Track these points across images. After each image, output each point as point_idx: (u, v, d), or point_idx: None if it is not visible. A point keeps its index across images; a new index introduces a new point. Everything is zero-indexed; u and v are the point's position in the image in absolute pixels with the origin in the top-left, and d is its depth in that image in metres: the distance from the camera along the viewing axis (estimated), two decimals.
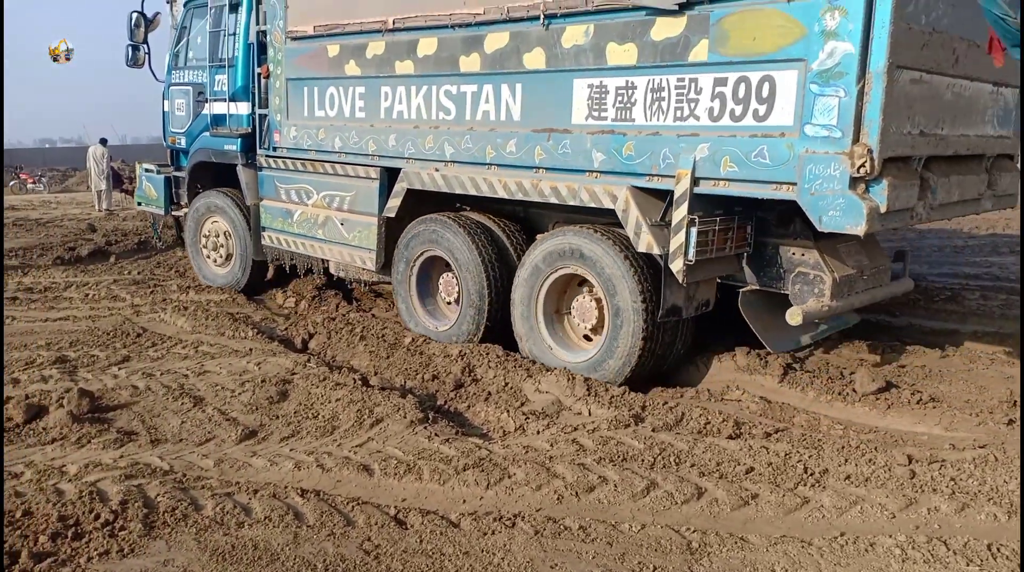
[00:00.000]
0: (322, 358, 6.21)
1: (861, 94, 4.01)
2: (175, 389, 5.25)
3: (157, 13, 9.06)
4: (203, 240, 8.80)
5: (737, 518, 3.54)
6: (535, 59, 5.35)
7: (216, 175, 8.64)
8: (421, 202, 6.47)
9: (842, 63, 4.02)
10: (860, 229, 4.09)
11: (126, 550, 3.24)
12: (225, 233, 8.52)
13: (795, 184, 4.25)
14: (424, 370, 5.75)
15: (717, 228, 4.80)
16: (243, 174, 8.00)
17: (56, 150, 51.41)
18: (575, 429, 4.46)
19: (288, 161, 7.49)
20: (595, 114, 5.12)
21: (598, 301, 5.38)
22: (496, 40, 5.55)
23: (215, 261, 8.75)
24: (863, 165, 4.01)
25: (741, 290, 5.31)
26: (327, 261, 7.59)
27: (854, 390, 5.08)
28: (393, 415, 4.67)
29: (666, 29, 4.67)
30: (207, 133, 8.35)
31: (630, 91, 4.92)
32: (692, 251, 4.68)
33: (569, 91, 5.22)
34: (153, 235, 10.92)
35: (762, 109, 4.37)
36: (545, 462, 3.98)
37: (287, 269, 8.38)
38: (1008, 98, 5.40)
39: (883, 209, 4.11)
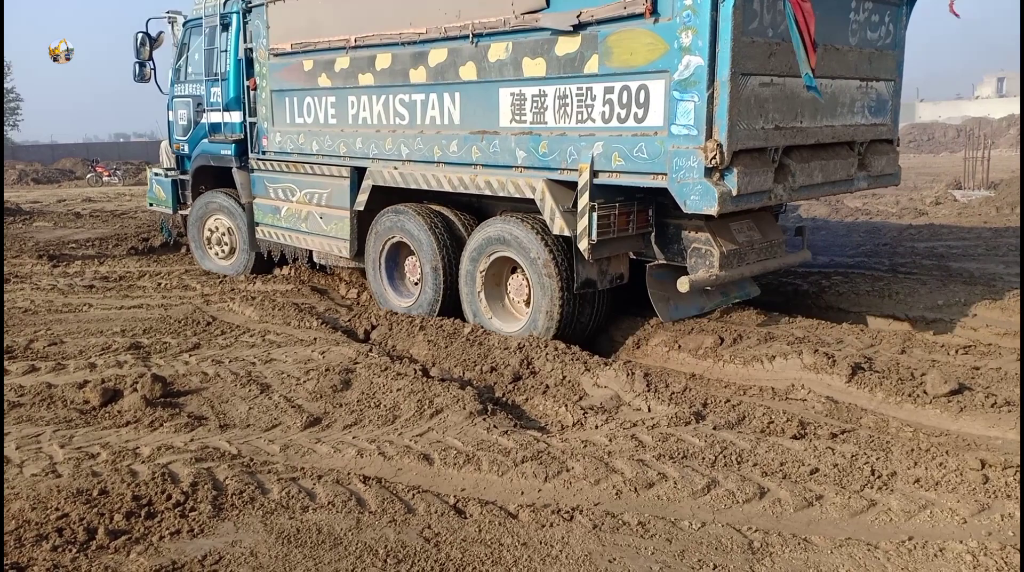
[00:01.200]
0: (383, 348, 6.31)
1: (711, 99, 4.85)
2: (243, 376, 5.40)
3: (160, 32, 9.87)
4: (207, 234, 9.62)
5: (800, 519, 3.47)
6: (468, 71, 6.24)
7: (216, 177, 9.43)
8: (389, 196, 7.27)
9: (695, 73, 4.86)
10: (714, 210, 4.92)
11: (196, 530, 3.35)
12: (228, 229, 9.39)
13: (666, 174, 5.11)
14: (482, 361, 5.79)
15: (617, 212, 5.61)
16: (238, 176, 8.83)
17: (131, 144, 53.36)
18: (634, 425, 4.44)
19: (275, 163, 8.39)
20: (517, 118, 6.00)
21: (527, 278, 6.19)
22: (437, 55, 6.46)
23: (218, 254, 9.62)
24: (714, 157, 4.85)
25: (648, 265, 6.03)
26: (311, 250, 8.37)
27: (925, 392, 4.91)
28: (452, 406, 4.72)
29: (566, 46, 5.55)
30: (206, 140, 9.21)
31: (542, 98, 5.81)
32: (595, 232, 5.50)
33: (496, 98, 6.10)
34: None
35: (640, 112, 5.24)
36: (604, 457, 3.97)
37: (275, 259, 9.07)
38: (881, 90, 6.27)
39: (735, 192, 4.96)
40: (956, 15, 6.17)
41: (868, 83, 6.10)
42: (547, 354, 5.70)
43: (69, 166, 34.16)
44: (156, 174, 10.51)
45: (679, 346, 5.92)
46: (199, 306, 7.49)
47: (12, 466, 4.00)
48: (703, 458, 3.96)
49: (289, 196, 8.26)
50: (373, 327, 6.96)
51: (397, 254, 7.42)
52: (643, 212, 5.81)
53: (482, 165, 6.29)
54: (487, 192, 6.28)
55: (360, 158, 7.35)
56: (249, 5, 8.17)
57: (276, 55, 7.96)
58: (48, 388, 5.18)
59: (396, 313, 7.14)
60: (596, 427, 4.48)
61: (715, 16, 4.75)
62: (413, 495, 3.65)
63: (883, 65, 6.25)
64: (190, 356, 5.91)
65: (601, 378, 5.20)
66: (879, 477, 3.73)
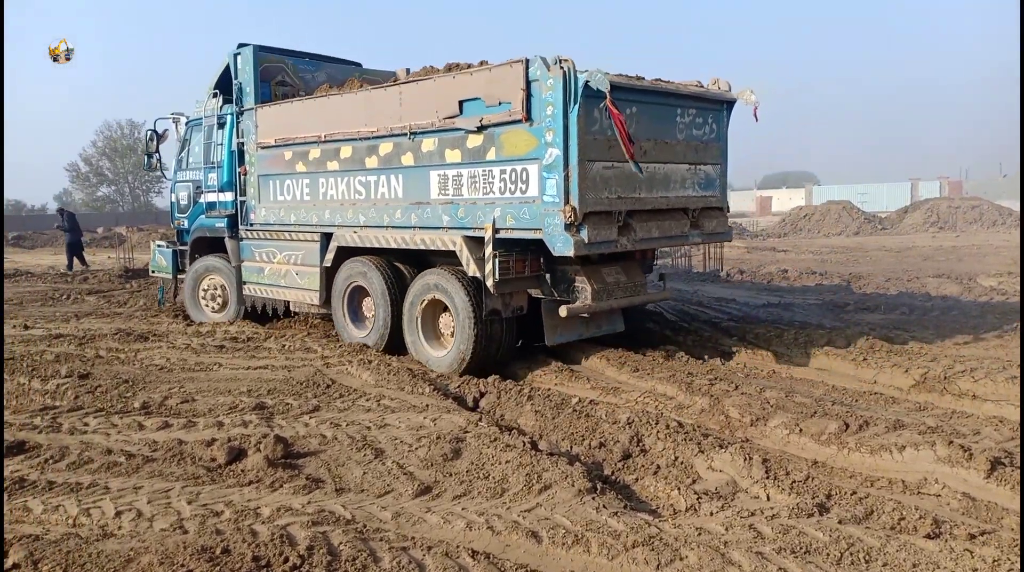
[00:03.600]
0: (492, 417, 6.35)
1: (567, 177, 6.85)
2: (359, 440, 5.54)
3: (165, 130, 11.98)
4: (201, 293, 11.38)
5: None
6: (408, 159, 8.24)
7: (210, 246, 11.36)
8: (350, 254, 9.17)
9: (556, 160, 6.89)
10: (571, 252, 6.86)
11: None
12: (221, 286, 11.21)
13: (541, 229, 7.08)
14: (590, 436, 5.72)
15: (514, 259, 7.51)
16: (229, 244, 10.77)
17: None
18: (752, 514, 4.25)
19: (260, 232, 10.36)
20: (442, 192, 7.97)
21: (453, 316, 7.93)
22: (385, 147, 8.47)
23: (211, 308, 11.36)
24: (571, 217, 6.83)
25: (543, 299, 7.93)
26: (288, 301, 10.21)
27: None
28: (561, 482, 4.66)
29: (474, 141, 7.56)
30: (203, 215, 11.17)
31: (460, 177, 7.79)
32: (497, 273, 7.38)
33: (427, 178, 8.09)
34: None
35: (523, 187, 7.22)
36: (719, 547, 3.81)
37: (259, 311, 10.77)
38: (709, 171, 8.40)
39: (587, 241, 6.93)
40: (756, 119, 8.21)
41: (696, 166, 8.21)
42: (658, 432, 5.58)
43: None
44: (159, 245, 12.45)
45: (800, 430, 5.66)
46: (319, 369, 7.79)
47: (144, 519, 4.22)
48: (827, 554, 3.74)
49: (271, 258, 10.22)
50: (482, 395, 7.04)
51: (356, 296, 9.27)
52: (535, 260, 7.73)
53: (419, 227, 8.24)
54: (423, 247, 8.24)
55: (328, 226, 9.29)
56: (242, 109, 10.21)
57: (263, 147, 10.00)
58: (179, 444, 5.48)
59: (504, 381, 7.35)
60: (711, 514, 4.32)
61: (566, 121, 6.77)
62: None
63: (709, 154, 8.36)
64: (310, 418, 6.13)
65: (716, 461, 5.03)
66: None
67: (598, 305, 7.61)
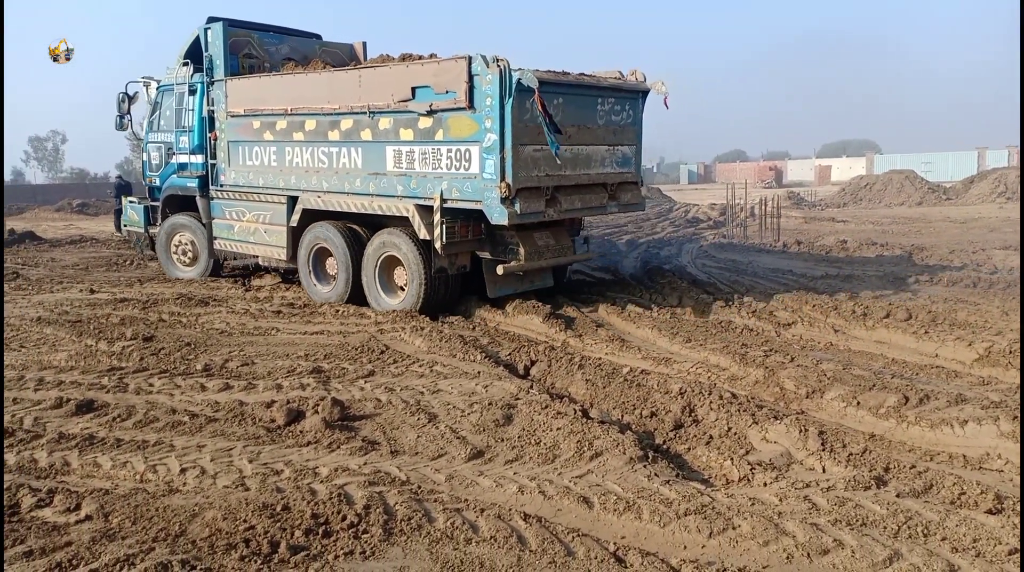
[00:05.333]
0: (543, 385, 6.38)
1: (503, 158, 8.01)
2: (412, 405, 5.64)
3: (136, 92, 12.68)
4: (173, 248, 12.33)
5: None
6: (367, 134, 9.29)
7: (180, 204, 12.24)
8: (313, 216, 10.12)
9: (494, 144, 8.03)
10: (506, 221, 8.10)
11: (367, 552, 3.51)
12: (191, 242, 12.07)
13: (481, 201, 8.25)
14: (642, 405, 5.72)
15: (459, 225, 8.63)
16: (200, 202, 11.64)
17: None
18: (807, 485, 4.20)
19: (230, 192, 11.21)
20: (397, 165, 9.06)
21: (404, 268, 9.12)
22: (346, 123, 9.50)
23: (182, 262, 12.29)
24: (506, 192, 8.00)
25: (484, 259, 9.08)
26: (257, 256, 11.09)
27: None
28: (612, 450, 4.67)
29: (424, 123, 8.66)
30: (175, 175, 12.07)
31: (412, 154, 8.89)
32: (444, 237, 8.51)
33: (384, 152, 9.16)
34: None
35: (467, 165, 8.35)
36: (773, 517, 3.78)
37: (227, 264, 11.93)
38: (626, 152, 9.66)
39: (519, 212, 8.16)
40: (667, 107, 9.53)
41: (615, 147, 9.46)
42: (711, 403, 5.55)
43: None
44: (131, 201, 13.50)
45: (858, 402, 5.57)
46: (373, 334, 7.91)
47: (207, 476, 4.37)
48: (884, 527, 3.69)
49: (241, 216, 11.11)
50: (533, 363, 7.07)
51: (319, 257, 10.18)
52: (477, 226, 8.78)
53: (376, 195, 9.29)
54: (380, 213, 9.29)
55: (294, 190, 10.26)
56: (213, 80, 10.98)
57: (232, 116, 10.84)
58: (240, 405, 5.64)
59: (554, 349, 7.32)
60: (765, 484, 4.29)
61: (503, 111, 7.91)
62: (573, 538, 3.65)
63: (625, 136, 9.58)
64: (365, 382, 6.24)
65: (770, 432, 4.98)
66: None
67: (530, 264, 8.99)
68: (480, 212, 8.31)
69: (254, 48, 11.25)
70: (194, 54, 11.34)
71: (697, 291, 10.29)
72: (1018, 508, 3.93)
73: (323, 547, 3.55)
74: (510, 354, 7.34)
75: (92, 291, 10.87)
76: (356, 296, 9.63)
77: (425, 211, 8.68)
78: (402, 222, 9.06)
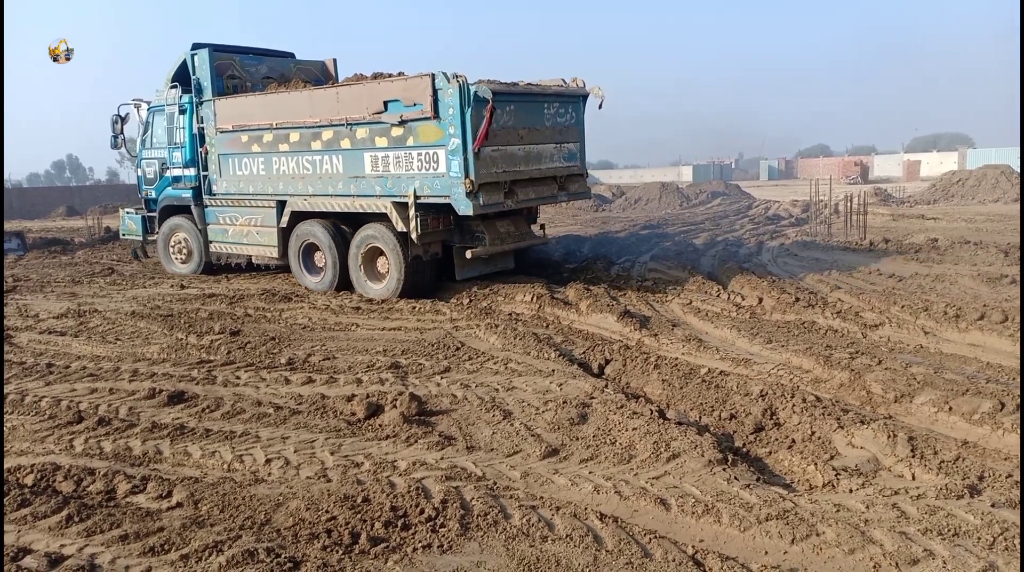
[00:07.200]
0: (618, 385, 6.33)
1: (466, 159, 9.23)
2: (487, 401, 5.68)
3: (127, 114, 13.76)
4: (171, 248, 13.48)
5: None
6: (346, 143, 10.49)
7: (175, 213, 13.31)
8: (300, 218, 11.34)
9: (457, 147, 9.25)
10: (471, 212, 9.34)
11: (445, 546, 3.56)
12: (186, 240, 13.22)
13: (449, 196, 9.44)
14: (720, 407, 5.61)
15: (431, 218, 9.85)
16: (195, 210, 12.75)
17: None
18: (895, 493, 4.05)
19: (223, 199, 12.36)
20: (375, 169, 10.27)
21: (386, 257, 10.30)
22: (327, 134, 10.68)
23: (179, 260, 13.39)
24: (470, 187, 9.20)
25: (455, 246, 10.40)
26: (251, 255, 12.28)
27: None
28: (690, 452, 4.60)
29: (397, 131, 9.84)
30: (170, 187, 13.16)
31: (387, 158, 10.08)
32: (419, 229, 9.71)
33: (362, 158, 10.36)
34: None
35: (435, 165, 9.56)
36: (859, 524, 3.66)
37: (223, 264, 12.98)
38: (572, 148, 10.99)
39: (482, 203, 9.41)
40: (600, 108, 10.95)
41: (561, 145, 10.78)
42: (793, 405, 5.40)
43: None
44: (128, 212, 14.60)
45: (950, 408, 5.33)
46: (449, 331, 8.00)
47: (291, 467, 4.51)
48: (978, 538, 3.53)
49: (234, 221, 12.29)
50: (607, 362, 7.01)
51: (309, 251, 11.38)
52: (447, 218, 10.03)
53: (357, 195, 10.50)
54: (361, 210, 10.47)
55: (282, 194, 11.40)
56: (202, 100, 12.10)
57: (221, 131, 11.95)
58: (322, 399, 5.79)
59: (629, 349, 7.25)
60: (850, 491, 4.15)
61: (463, 119, 9.12)
62: (650, 539, 3.61)
63: (570, 135, 10.92)
64: (441, 378, 6.32)
65: (856, 437, 4.82)
66: None
67: (493, 249, 10.36)
68: (449, 205, 9.53)
69: (236, 69, 12.43)
70: (181, 77, 12.43)
71: (778, 290, 10.03)
72: None
73: (402, 539, 3.61)
74: (584, 353, 7.30)
75: (182, 286, 11.33)
76: (343, 284, 10.87)
77: (401, 207, 9.87)
78: (381, 218, 10.25)
